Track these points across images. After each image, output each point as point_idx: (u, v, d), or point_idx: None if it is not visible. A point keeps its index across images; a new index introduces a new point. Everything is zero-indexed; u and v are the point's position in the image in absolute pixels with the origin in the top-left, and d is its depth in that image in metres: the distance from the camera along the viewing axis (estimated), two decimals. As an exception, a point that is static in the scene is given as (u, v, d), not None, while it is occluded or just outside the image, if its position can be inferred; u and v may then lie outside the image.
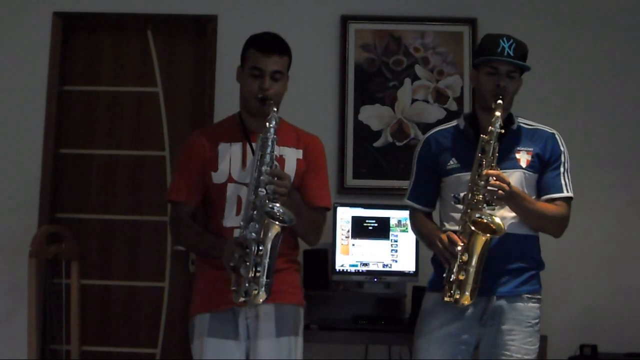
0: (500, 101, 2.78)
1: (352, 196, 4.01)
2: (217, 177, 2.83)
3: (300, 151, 2.88)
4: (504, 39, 2.85)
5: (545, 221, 2.88)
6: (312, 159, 2.90)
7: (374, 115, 4.16)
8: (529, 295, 2.85)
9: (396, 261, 3.80)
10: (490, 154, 2.74)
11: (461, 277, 2.70)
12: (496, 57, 2.83)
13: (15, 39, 4.22)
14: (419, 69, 4.18)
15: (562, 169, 2.90)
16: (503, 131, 2.76)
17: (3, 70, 4.20)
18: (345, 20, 4.19)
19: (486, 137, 2.76)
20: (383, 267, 3.80)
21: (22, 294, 3.74)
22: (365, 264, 3.81)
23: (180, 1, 4.23)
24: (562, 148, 2.93)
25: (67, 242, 3.91)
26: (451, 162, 2.91)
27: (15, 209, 4.10)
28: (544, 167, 2.90)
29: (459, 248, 2.72)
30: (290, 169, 2.83)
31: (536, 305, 2.87)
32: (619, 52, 4.17)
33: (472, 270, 2.70)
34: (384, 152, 4.13)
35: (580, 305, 3.99)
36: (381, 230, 3.81)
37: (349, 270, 3.81)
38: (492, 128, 2.75)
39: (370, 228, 3.82)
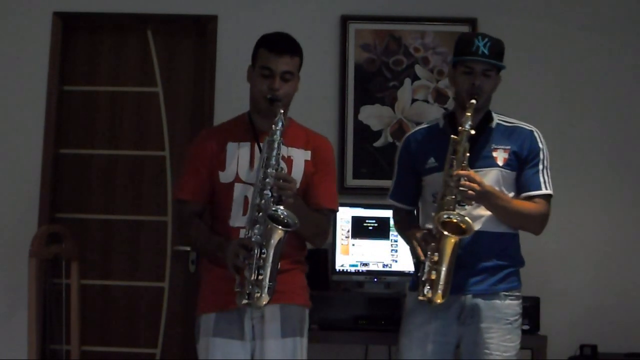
0: (473, 101, 2.79)
1: (352, 196, 4.01)
2: (225, 177, 2.82)
3: (309, 152, 2.87)
4: (479, 37, 2.85)
5: (522, 219, 2.88)
6: (321, 161, 2.89)
7: (374, 115, 4.16)
8: (507, 293, 2.85)
9: (396, 261, 3.80)
10: (461, 154, 2.75)
11: (433, 277, 2.71)
12: (470, 57, 2.84)
13: (15, 39, 4.22)
14: (419, 69, 4.17)
15: (540, 166, 2.90)
16: (474, 132, 2.76)
17: (3, 70, 4.20)
18: (345, 20, 4.18)
19: (457, 137, 2.77)
20: (383, 267, 3.80)
21: (22, 294, 3.74)
22: (365, 264, 3.81)
23: (180, 1, 4.23)
24: (540, 145, 2.92)
25: (67, 242, 3.91)
26: (430, 161, 2.92)
27: (15, 209, 4.11)
28: (522, 164, 2.89)
29: (431, 247, 2.73)
30: (298, 169, 2.83)
31: (515, 302, 2.87)
32: (619, 51, 4.16)
33: (442, 269, 2.70)
34: (384, 152, 4.12)
35: (580, 305, 3.98)
36: (381, 230, 3.82)
37: (349, 270, 3.81)
38: (462, 128, 2.76)
39: (370, 228, 3.82)
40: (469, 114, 2.77)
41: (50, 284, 4.01)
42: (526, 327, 3.48)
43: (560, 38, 4.18)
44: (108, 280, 4.18)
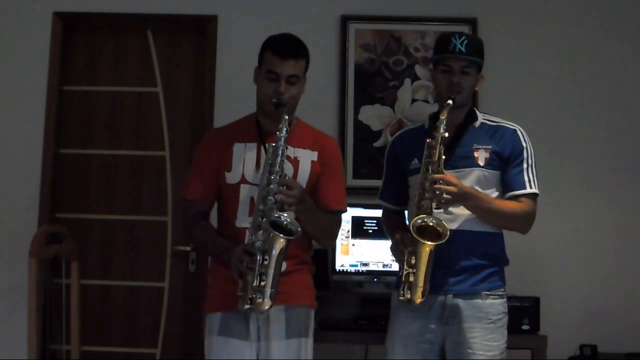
0: (450, 101, 2.79)
1: (352, 196, 3.96)
2: (231, 178, 2.84)
3: (316, 153, 2.88)
4: (456, 36, 2.86)
5: (505, 219, 2.87)
6: (328, 161, 2.90)
7: (374, 115, 4.16)
8: (488, 292, 2.84)
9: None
10: (437, 157, 2.74)
11: (411, 279, 2.72)
12: (447, 55, 2.85)
13: (15, 39, 4.22)
14: (419, 69, 4.17)
15: (524, 165, 2.88)
16: (447, 134, 2.75)
17: (3, 70, 4.20)
18: (345, 20, 4.18)
19: (432, 141, 2.76)
20: (383, 267, 3.80)
21: (22, 294, 3.73)
22: (365, 264, 3.81)
23: (180, 1, 4.23)
24: (524, 144, 2.90)
25: (67, 242, 3.91)
26: (414, 162, 2.91)
27: (15, 209, 4.10)
28: (505, 164, 2.88)
29: (409, 250, 2.73)
30: (305, 170, 2.84)
31: (497, 301, 2.85)
32: (619, 50, 4.16)
33: (419, 272, 2.70)
34: (384, 152, 4.10)
35: (580, 305, 3.98)
36: (381, 230, 3.79)
37: (349, 270, 3.81)
38: (436, 132, 2.76)
39: (370, 228, 3.82)
40: (443, 117, 2.76)
41: (50, 284, 4.01)
42: (526, 327, 3.49)
43: (560, 38, 4.17)
44: (108, 280, 4.18)
